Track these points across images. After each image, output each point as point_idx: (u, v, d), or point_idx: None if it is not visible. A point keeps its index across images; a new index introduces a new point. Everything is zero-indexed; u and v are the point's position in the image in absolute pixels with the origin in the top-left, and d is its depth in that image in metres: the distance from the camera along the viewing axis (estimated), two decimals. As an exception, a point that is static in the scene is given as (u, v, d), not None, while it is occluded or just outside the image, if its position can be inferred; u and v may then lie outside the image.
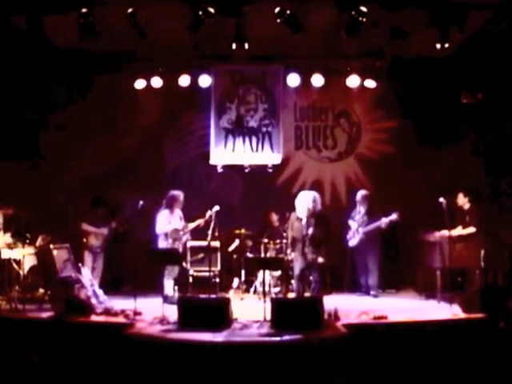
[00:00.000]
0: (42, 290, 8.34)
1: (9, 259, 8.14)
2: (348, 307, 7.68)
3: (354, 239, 9.27)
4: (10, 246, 8.24)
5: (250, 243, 9.44)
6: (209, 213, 8.55)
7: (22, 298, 7.84)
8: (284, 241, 8.64)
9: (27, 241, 8.21)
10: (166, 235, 8.72)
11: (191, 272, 8.99)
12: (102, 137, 10.07)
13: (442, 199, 7.80)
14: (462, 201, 8.74)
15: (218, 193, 10.16)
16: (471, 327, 6.83)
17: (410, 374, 6.28)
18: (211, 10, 7.61)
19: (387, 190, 9.71)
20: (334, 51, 9.43)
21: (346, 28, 7.90)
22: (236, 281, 9.26)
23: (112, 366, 6.30)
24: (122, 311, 7.47)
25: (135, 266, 7.87)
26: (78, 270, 8.43)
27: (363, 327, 6.86)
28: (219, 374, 6.02)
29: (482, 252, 8.39)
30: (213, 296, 8.05)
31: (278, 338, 6.35)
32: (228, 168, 10.18)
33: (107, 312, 7.52)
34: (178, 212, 8.92)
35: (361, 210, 9.30)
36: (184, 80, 9.87)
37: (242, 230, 9.38)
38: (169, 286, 8.57)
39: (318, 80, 9.93)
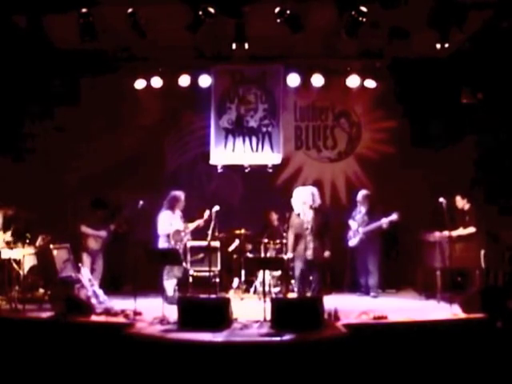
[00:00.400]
0: (41, 290, 8.35)
1: (9, 259, 8.14)
2: (348, 307, 7.68)
3: (354, 239, 9.27)
4: (10, 246, 8.24)
5: (249, 247, 9.42)
6: (208, 213, 8.55)
7: (21, 298, 7.84)
8: (284, 241, 8.63)
9: (27, 241, 8.21)
10: (168, 236, 8.71)
11: (191, 272, 8.99)
12: (102, 137, 10.08)
13: (442, 199, 7.81)
14: (461, 203, 8.74)
15: (217, 193, 10.17)
16: (471, 327, 6.83)
17: (410, 374, 6.28)
18: (211, 9, 7.61)
19: (387, 189, 9.71)
20: (333, 51, 9.43)
21: (346, 28, 7.90)
22: (236, 281, 9.26)
23: (112, 366, 6.30)
24: (122, 311, 7.48)
25: (135, 265, 7.86)
26: (78, 270, 8.44)
27: (363, 327, 6.86)
28: (219, 374, 6.02)
29: (482, 252, 8.40)
30: (213, 296, 8.05)
31: (277, 338, 6.35)
32: (228, 168, 10.18)
33: (107, 312, 7.53)
34: (178, 212, 8.92)
35: (361, 210, 9.30)
36: (184, 80, 9.87)
37: (242, 230, 9.38)
38: (168, 286, 8.56)
39: (317, 80, 9.93)
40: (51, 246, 8.34)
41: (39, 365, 6.46)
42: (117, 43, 8.86)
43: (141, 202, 7.99)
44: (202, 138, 10.35)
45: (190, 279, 8.97)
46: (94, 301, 8.11)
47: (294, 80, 9.97)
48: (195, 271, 8.99)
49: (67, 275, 8.34)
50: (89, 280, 8.42)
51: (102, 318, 7.27)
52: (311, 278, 8.38)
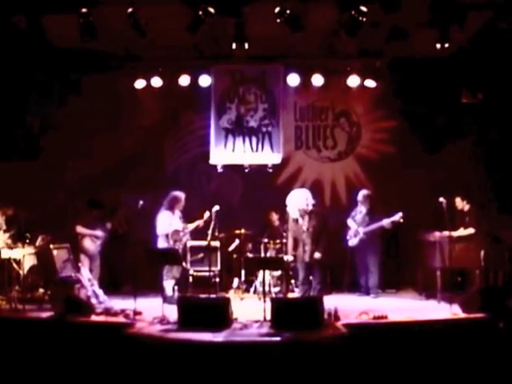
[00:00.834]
0: (41, 290, 8.33)
1: (9, 259, 8.14)
2: (348, 307, 7.68)
3: (354, 239, 9.26)
4: (9, 246, 8.24)
5: (249, 247, 9.43)
6: (207, 213, 8.55)
7: (21, 298, 7.84)
8: (284, 241, 8.65)
9: (27, 241, 8.21)
10: (167, 236, 8.72)
11: (191, 272, 8.99)
12: (101, 137, 10.06)
13: (442, 199, 7.80)
14: (461, 204, 8.74)
15: (217, 193, 10.17)
16: (471, 327, 6.83)
17: (410, 374, 6.28)
18: (211, 9, 7.61)
19: (387, 190, 9.71)
20: (333, 51, 9.43)
21: (346, 28, 7.90)
22: (236, 281, 9.26)
23: (112, 366, 6.30)
24: (122, 311, 7.47)
25: (135, 265, 7.86)
26: (78, 270, 8.43)
27: (363, 327, 6.86)
28: (219, 374, 6.02)
29: (482, 252, 8.40)
30: (213, 296, 8.05)
31: (278, 338, 6.35)
32: (228, 168, 10.18)
33: (107, 312, 7.52)
34: (178, 213, 8.92)
35: (362, 210, 9.29)
36: (184, 80, 9.87)
37: (242, 230, 9.38)
38: (168, 286, 8.57)
39: (318, 80, 9.93)
40: (51, 246, 8.33)
41: (39, 365, 6.45)
42: (117, 43, 8.85)
43: (141, 202, 7.98)
44: (201, 138, 10.35)
45: (190, 279, 8.97)
46: (94, 301, 8.11)
47: (293, 80, 9.97)
48: (195, 271, 8.99)
49: (67, 275, 8.33)
50: (89, 280, 8.42)
51: (102, 318, 7.26)
52: (311, 278, 8.42)
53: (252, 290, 9.13)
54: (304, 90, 10.24)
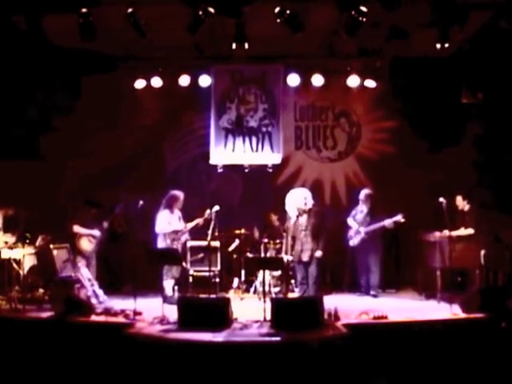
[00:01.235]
0: (41, 290, 8.34)
1: (9, 259, 8.14)
2: (348, 307, 7.68)
3: (354, 239, 9.25)
4: (9, 246, 8.23)
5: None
6: (208, 212, 8.55)
7: (21, 298, 7.84)
8: (284, 241, 8.66)
9: (27, 241, 8.21)
10: (165, 235, 8.72)
11: (191, 272, 8.99)
12: (101, 137, 10.06)
13: (442, 199, 7.81)
14: (461, 203, 8.74)
15: (218, 193, 10.17)
16: (471, 327, 6.83)
17: (410, 374, 6.28)
18: (211, 9, 7.61)
19: (387, 190, 9.70)
20: (334, 51, 9.43)
21: (346, 28, 7.90)
22: (236, 281, 9.26)
23: (112, 366, 6.30)
24: (122, 311, 7.47)
25: (135, 265, 7.86)
26: (78, 270, 8.43)
27: (363, 327, 6.86)
28: (219, 374, 6.02)
29: (482, 252, 8.40)
30: (213, 296, 8.06)
31: (277, 338, 6.35)
32: (228, 168, 10.18)
33: (107, 312, 7.52)
34: (177, 212, 8.92)
35: (363, 210, 9.27)
36: (184, 80, 9.86)
37: (242, 230, 9.38)
38: (168, 286, 8.57)
39: (318, 80, 9.93)
40: (51, 246, 8.33)
41: (39, 365, 6.45)
42: (117, 43, 8.85)
43: (141, 202, 7.98)
44: (201, 138, 10.35)
45: (190, 279, 8.97)
46: (94, 301, 8.11)
47: (293, 80, 9.97)
48: (195, 271, 8.99)
49: (67, 275, 8.33)
50: (89, 280, 8.42)
51: (102, 318, 7.26)
52: (310, 277, 8.43)
53: (252, 290, 9.12)
54: (304, 90, 10.24)
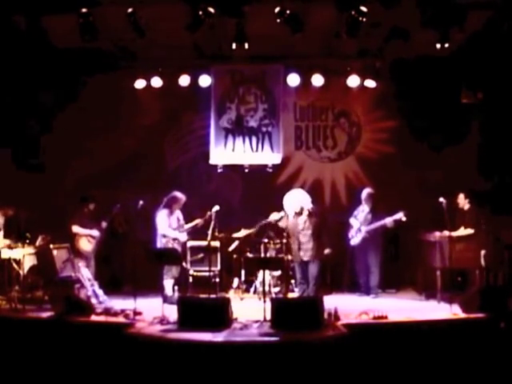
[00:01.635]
0: (41, 290, 8.34)
1: (9, 259, 8.14)
2: (348, 307, 7.68)
3: (355, 238, 9.25)
4: (10, 246, 8.23)
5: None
6: (208, 214, 8.55)
7: (22, 298, 7.84)
8: (284, 241, 8.66)
9: (27, 241, 8.21)
10: (164, 236, 8.71)
11: (191, 272, 8.99)
12: (101, 137, 10.08)
13: (442, 199, 7.81)
14: (463, 202, 8.75)
15: (217, 193, 10.17)
16: (471, 327, 6.83)
17: (411, 374, 6.28)
18: (211, 9, 7.61)
19: (387, 189, 9.69)
20: (334, 51, 9.43)
21: (346, 28, 7.90)
22: (236, 281, 9.25)
23: (112, 366, 6.30)
24: (122, 311, 7.48)
25: (135, 265, 7.86)
26: (78, 270, 8.43)
27: (363, 327, 6.86)
28: (219, 374, 6.02)
29: (482, 252, 8.40)
30: (213, 296, 8.06)
31: (277, 338, 6.36)
32: (228, 168, 10.18)
33: (107, 312, 7.52)
34: (177, 212, 8.92)
35: (365, 209, 9.27)
36: (184, 80, 9.87)
37: (242, 230, 9.37)
38: (168, 286, 8.57)
39: (317, 80, 9.93)
40: (51, 246, 8.33)
41: (39, 365, 6.45)
42: (117, 43, 8.85)
43: (141, 202, 7.99)
44: (201, 138, 10.35)
45: (190, 279, 8.97)
46: (93, 301, 8.12)
47: (293, 80, 9.97)
48: (195, 271, 9.00)
49: (67, 275, 8.33)
50: (89, 280, 8.42)
51: (102, 318, 7.26)
52: (310, 277, 8.43)
53: (252, 290, 9.13)
54: (304, 90, 10.24)
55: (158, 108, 10.28)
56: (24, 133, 9.97)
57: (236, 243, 9.34)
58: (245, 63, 9.92)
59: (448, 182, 9.38)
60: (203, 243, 8.63)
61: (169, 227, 8.72)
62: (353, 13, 7.63)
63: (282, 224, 8.66)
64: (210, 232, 8.31)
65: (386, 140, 10.36)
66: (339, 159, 10.53)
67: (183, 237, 8.84)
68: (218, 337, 6.40)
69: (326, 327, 6.69)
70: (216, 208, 8.42)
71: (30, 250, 8.28)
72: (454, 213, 8.61)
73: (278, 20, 7.76)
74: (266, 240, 9.10)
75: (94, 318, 7.23)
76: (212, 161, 10.12)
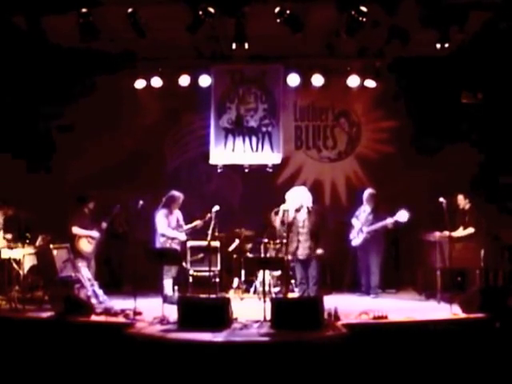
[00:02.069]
0: (42, 290, 8.34)
1: (9, 259, 8.14)
2: (348, 307, 7.68)
3: (357, 238, 9.25)
4: (10, 246, 8.23)
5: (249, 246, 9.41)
6: (208, 215, 8.54)
7: (22, 298, 7.84)
8: (284, 241, 8.65)
9: (27, 241, 8.21)
10: (163, 235, 8.71)
11: (191, 272, 8.99)
12: (102, 137, 10.08)
13: (442, 199, 7.81)
14: (463, 202, 8.75)
15: (217, 193, 10.17)
16: (471, 327, 6.83)
17: (410, 374, 6.28)
18: (211, 9, 7.62)
19: (387, 190, 9.69)
20: (333, 51, 9.42)
21: (346, 28, 7.90)
22: (236, 281, 9.26)
23: (112, 366, 6.30)
24: (122, 311, 7.47)
25: (135, 265, 7.86)
26: (78, 270, 8.43)
27: (363, 327, 6.86)
28: (219, 374, 6.02)
29: (482, 252, 8.40)
30: (213, 296, 8.05)
31: (277, 338, 6.35)
32: (228, 168, 10.18)
33: (107, 312, 7.52)
34: (177, 212, 8.92)
35: (366, 209, 9.26)
36: (184, 80, 9.87)
37: (242, 230, 9.37)
38: (168, 286, 8.56)
39: (317, 80, 9.93)
40: (51, 246, 8.33)
41: (39, 365, 6.45)
42: (117, 43, 8.85)
43: (141, 202, 7.99)
44: (201, 138, 10.35)
45: (190, 279, 8.97)
46: (94, 301, 8.12)
47: (294, 80, 9.96)
48: (195, 271, 8.99)
49: (67, 275, 8.33)
50: (89, 280, 8.42)
51: (102, 318, 7.26)
52: (310, 277, 8.43)
53: (252, 290, 9.13)
54: (304, 90, 10.24)
55: (158, 108, 10.28)
56: (24, 132, 9.96)
57: (236, 243, 9.35)
58: (245, 63, 9.92)
59: (448, 182, 9.37)
60: (203, 243, 8.63)
61: (168, 227, 8.72)
62: (353, 13, 7.64)
63: (279, 219, 8.60)
64: (209, 232, 8.30)
65: (386, 140, 10.36)
66: (339, 159, 10.53)
67: (182, 236, 8.84)
68: (218, 337, 6.39)
69: (326, 327, 6.69)
70: (216, 208, 8.42)
71: (30, 250, 8.28)
72: (454, 213, 8.62)
73: (278, 20, 7.77)
74: (265, 240, 9.10)
75: (94, 317, 7.22)
76: (212, 161, 10.12)
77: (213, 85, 10.01)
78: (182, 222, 8.95)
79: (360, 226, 9.21)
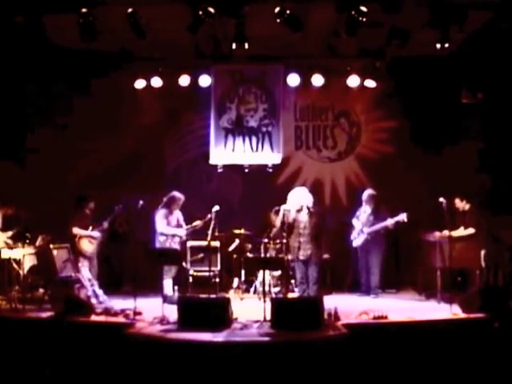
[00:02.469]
0: (41, 290, 8.34)
1: (9, 259, 8.14)
2: (348, 307, 7.68)
3: (358, 239, 9.24)
4: (10, 246, 8.24)
5: (249, 246, 9.42)
6: (208, 216, 8.54)
7: (22, 298, 7.83)
8: (284, 241, 8.65)
9: (27, 241, 8.21)
10: (161, 234, 8.71)
11: (191, 272, 8.98)
12: (101, 137, 10.07)
13: (442, 199, 7.81)
14: (461, 205, 8.73)
15: (217, 193, 10.17)
16: (471, 327, 6.83)
17: (410, 374, 6.29)
18: (211, 9, 7.62)
19: (387, 190, 9.68)
20: (333, 51, 9.42)
21: (346, 28, 7.90)
22: (236, 281, 9.26)
23: (112, 366, 6.30)
24: (122, 311, 7.47)
25: (135, 265, 7.86)
26: (78, 270, 8.43)
27: (363, 327, 6.86)
28: (219, 374, 6.02)
29: (483, 252, 8.40)
30: (213, 296, 8.05)
31: (277, 338, 6.35)
32: (228, 168, 10.18)
33: (107, 312, 7.52)
34: (177, 213, 8.92)
35: (366, 210, 9.26)
36: (184, 80, 9.86)
37: (242, 230, 9.38)
38: (168, 286, 8.56)
39: (317, 80, 9.92)
40: (51, 246, 8.33)
41: (39, 365, 6.45)
42: (117, 43, 8.85)
43: (141, 202, 7.99)
44: (201, 138, 10.35)
45: (190, 279, 8.97)
46: (93, 301, 8.12)
47: (294, 80, 9.96)
48: (195, 271, 8.99)
49: (67, 275, 8.33)
50: (89, 280, 8.42)
51: (102, 318, 7.26)
52: (310, 277, 8.43)
53: (252, 290, 9.13)
54: (304, 90, 10.24)
55: (158, 108, 10.27)
56: (24, 132, 9.96)
57: (236, 243, 9.35)
58: (245, 63, 9.92)
59: (448, 182, 9.37)
60: (203, 243, 8.63)
61: (167, 226, 8.72)
62: (353, 13, 7.64)
63: (279, 219, 8.59)
64: (209, 232, 8.30)
65: (386, 140, 10.36)
66: (339, 159, 10.54)
67: (181, 231, 8.83)
68: (218, 337, 6.39)
69: (326, 327, 6.69)
70: (216, 208, 8.42)
71: (30, 250, 8.28)
72: (454, 213, 8.61)
73: (278, 20, 7.77)
74: (266, 240, 9.10)
75: (94, 317, 7.22)
76: (212, 161, 10.12)
77: (213, 85, 10.01)
78: (182, 222, 8.95)
79: (361, 227, 9.20)
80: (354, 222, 9.35)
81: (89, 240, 8.71)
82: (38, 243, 8.38)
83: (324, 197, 10.30)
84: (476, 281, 8.43)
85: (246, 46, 8.05)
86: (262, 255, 8.84)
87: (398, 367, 6.31)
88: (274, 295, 8.70)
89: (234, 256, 9.37)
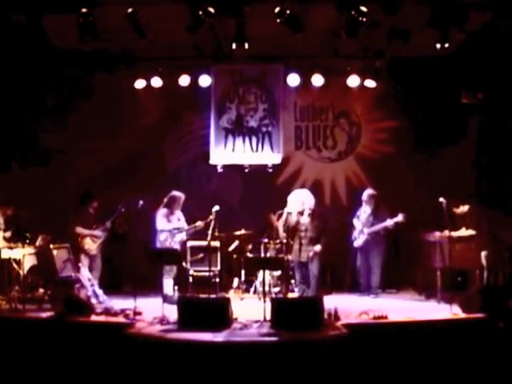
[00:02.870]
0: (41, 290, 8.34)
1: (9, 259, 8.14)
2: (348, 307, 7.68)
3: (358, 239, 9.24)
4: (10, 246, 8.24)
5: (249, 246, 9.42)
6: (210, 217, 8.53)
7: (22, 298, 7.84)
8: (284, 241, 8.66)
9: (27, 241, 8.20)
10: (161, 233, 8.70)
11: (191, 272, 8.98)
12: (101, 137, 10.07)
13: (442, 199, 7.81)
14: (460, 209, 8.72)
15: (217, 193, 10.17)
16: (471, 327, 6.83)
17: (410, 374, 6.28)
18: (211, 9, 7.62)
19: (387, 190, 9.68)
20: (334, 51, 9.43)
21: (346, 28, 7.90)
22: (236, 281, 9.26)
23: (112, 366, 6.30)
24: (122, 311, 7.48)
25: (135, 265, 7.86)
26: (78, 270, 8.43)
27: (363, 327, 6.86)
28: (219, 374, 6.02)
29: (483, 252, 8.40)
30: (213, 296, 8.06)
31: (277, 338, 6.35)
32: (228, 168, 10.18)
33: (107, 312, 7.53)
34: (178, 213, 8.92)
35: (366, 210, 9.26)
36: (184, 80, 9.86)
37: (242, 230, 9.37)
38: (168, 286, 8.56)
39: (317, 80, 9.92)
40: (51, 246, 8.34)
41: (39, 365, 6.45)
42: (117, 43, 8.85)
43: (141, 202, 7.99)
44: (201, 138, 10.34)
45: (190, 279, 8.97)
46: (94, 301, 8.12)
47: (293, 80, 9.96)
48: (195, 271, 8.99)
49: (67, 275, 8.33)
50: (89, 280, 8.42)
51: (102, 318, 7.27)
52: (311, 277, 8.43)
53: (252, 290, 9.13)
54: (304, 90, 10.24)
55: (158, 108, 10.27)
56: (24, 132, 9.96)
57: (236, 243, 9.35)
58: (245, 63, 9.91)
59: (448, 182, 9.38)
60: (203, 243, 8.63)
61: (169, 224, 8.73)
62: (353, 13, 7.64)
63: (282, 223, 8.61)
64: (210, 232, 8.30)
65: (386, 140, 10.36)
66: (339, 159, 10.53)
67: (181, 223, 8.82)
68: (218, 337, 6.40)
69: (326, 327, 6.69)
70: (216, 208, 8.42)
71: (30, 250, 8.28)
72: (455, 215, 8.61)
73: (278, 20, 7.76)
74: (266, 240, 9.11)
75: (94, 318, 7.23)
76: (212, 161, 10.11)
77: (213, 85, 10.01)
78: (183, 222, 8.93)
79: (361, 228, 9.20)
80: (355, 222, 9.34)
81: (91, 239, 8.72)
82: (38, 243, 8.39)
83: (324, 197, 10.30)
84: (476, 281, 8.43)
85: (246, 45, 8.05)
86: (262, 255, 8.84)
87: (398, 367, 6.31)
88: (273, 295, 8.69)
89: (234, 256, 9.36)
